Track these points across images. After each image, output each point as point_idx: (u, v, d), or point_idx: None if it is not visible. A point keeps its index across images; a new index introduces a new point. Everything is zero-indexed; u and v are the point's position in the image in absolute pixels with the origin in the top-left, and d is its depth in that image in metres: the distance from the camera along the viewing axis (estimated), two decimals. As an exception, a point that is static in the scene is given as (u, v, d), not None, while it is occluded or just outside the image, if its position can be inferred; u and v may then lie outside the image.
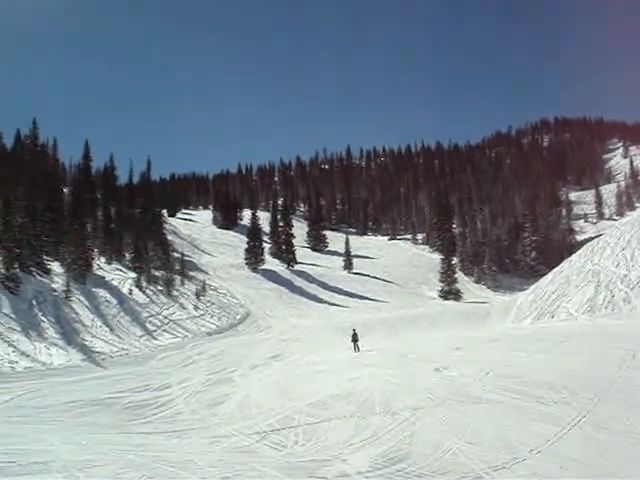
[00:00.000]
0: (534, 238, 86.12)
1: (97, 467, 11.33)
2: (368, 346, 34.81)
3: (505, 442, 13.81)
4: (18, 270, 36.70)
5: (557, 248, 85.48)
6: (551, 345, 26.75)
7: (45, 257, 42.36)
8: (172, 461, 12.46)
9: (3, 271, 35.20)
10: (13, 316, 32.40)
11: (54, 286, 39.16)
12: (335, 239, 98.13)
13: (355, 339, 35.13)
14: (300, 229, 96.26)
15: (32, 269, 39.23)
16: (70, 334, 33.50)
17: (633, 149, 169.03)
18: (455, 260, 79.93)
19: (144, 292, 46.59)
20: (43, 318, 33.97)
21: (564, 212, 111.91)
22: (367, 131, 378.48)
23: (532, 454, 12.87)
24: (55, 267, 42.80)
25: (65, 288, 38.77)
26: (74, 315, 36.71)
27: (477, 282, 79.85)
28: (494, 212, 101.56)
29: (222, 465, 12.44)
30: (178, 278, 54.46)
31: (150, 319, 41.63)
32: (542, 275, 58.41)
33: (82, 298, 39.85)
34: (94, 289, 42.48)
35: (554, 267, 54.25)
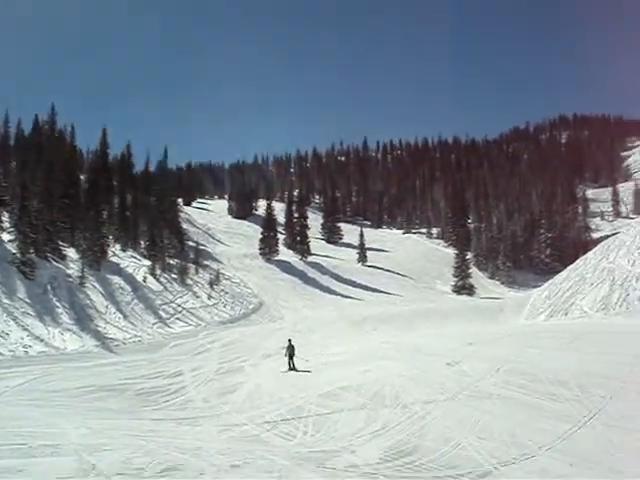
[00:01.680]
0: (550, 235, 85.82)
1: (107, 451, 11.40)
2: (381, 339, 34.80)
3: (515, 438, 13.78)
4: (34, 255, 36.88)
5: (572, 245, 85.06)
6: (564, 342, 26.62)
7: (61, 243, 42.50)
8: (182, 448, 12.52)
9: (19, 256, 35.39)
10: (28, 301, 32.57)
11: (69, 272, 39.34)
12: (350, 231, 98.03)
13: (291, 353, 27.08)
14: (315, 221, 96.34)
15: (48, 255, 39.39)
16: (84, 320, 33.68)
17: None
18: (469, 255, 79.70)
19: (158, 280, 46.77)
20: (57, 303, 34.15)
21: (581, 209, 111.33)
22: (384, 124, 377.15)
23: (542, 451, 12.84)
24: (70, 253, 42.98)
25: (80, 274, 38.93)
26: (88, 301, 36.89)
27: (491, 278, 79.70)
28: (510, 208, 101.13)
29: (231, 453, 12.49)
30: (192, 267, 54.66)
31: (164, 307, 41.81)
32: (557, 272, 58.10)
33: (96, 284, 40.02)
34: (109, 276, 42.65)
35: (569, 264, 53.95)
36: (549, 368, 20.32)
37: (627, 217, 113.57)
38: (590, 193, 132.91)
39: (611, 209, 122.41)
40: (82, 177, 60.56)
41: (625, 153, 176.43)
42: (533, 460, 12.38)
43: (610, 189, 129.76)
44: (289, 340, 27.84)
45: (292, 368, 26.39)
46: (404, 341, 33.39)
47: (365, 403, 18.25)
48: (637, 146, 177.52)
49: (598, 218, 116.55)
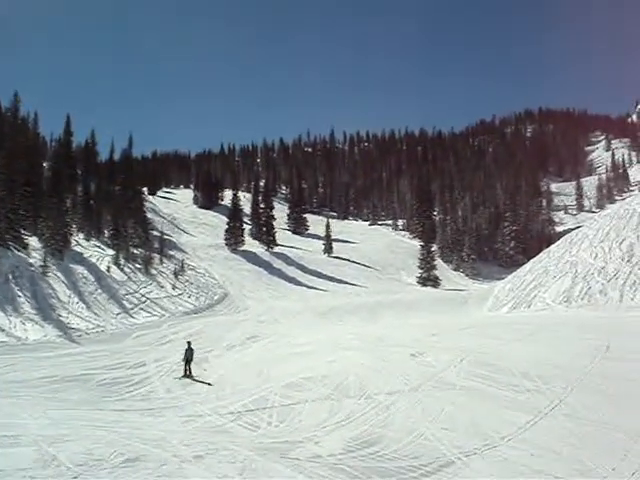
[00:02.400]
0: (514, 228, 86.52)
1: (68, 442, 11.29)
2: (346, 330, 34.87)
3: (478, 429, 13.92)
4: (-5, 244, 36.35)
5: (536, 238, 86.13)
6: (527, 334, 26.95)
7: (23, 232, 41.88)
8: (145, 438, 12.44)
9: (-21, 244, 34.86)
10: (-11, 290, 32.12)
11: (31, 261, 38.79)
12: (316, 222, 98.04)
13: (188, 357, 23.87)
14: (281, 211, 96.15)
15: (9, 243, 38.79)
16: (46, 310, 33.24)
17: (615, 142, 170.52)
18: (435, 247, 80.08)
19: (122, 270, 46.30)
20: (19, 293, 33.67)
21: (544, 203, 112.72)
22: (351, 115, 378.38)
23: (504, 441, 12.99)
24: (33, 242, 42.38)
25: (42, 263, 38.40)
26: (51, 291, 36.41)
27: (456, 270, 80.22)
28: (475, 200, 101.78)
29: (195, 444, 12.44)
30: (157, 257, 54.20)
31: (127, 297, 41.41)
32: (520, 265, 58.76)
33: (59, 274, 39.52)
34: (72, 265, 42.15)
35: (533, 257, 54.59)
36: (512, 359, 20.57)
37: (590, 211, 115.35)
38: (554, 187, 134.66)
39: (574, 203, 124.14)
40: (45, 165, 59.77)
41: (589, 148, 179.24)
42: (495, 450, 12.52)
43: (574, 183, 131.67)
44: (188, 343, 24.77)
45: (188, 375, 23.36)
46: (369, 332, 33.49)
47: (329, 394, 18.29)
48: (601, 141, 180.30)
49: (562, 212, 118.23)
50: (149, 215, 75.00)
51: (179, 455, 11.14)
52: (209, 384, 22.05)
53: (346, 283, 66.15)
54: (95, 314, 35.88)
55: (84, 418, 15.19)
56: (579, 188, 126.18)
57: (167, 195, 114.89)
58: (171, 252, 61.09)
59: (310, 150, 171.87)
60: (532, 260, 52.33)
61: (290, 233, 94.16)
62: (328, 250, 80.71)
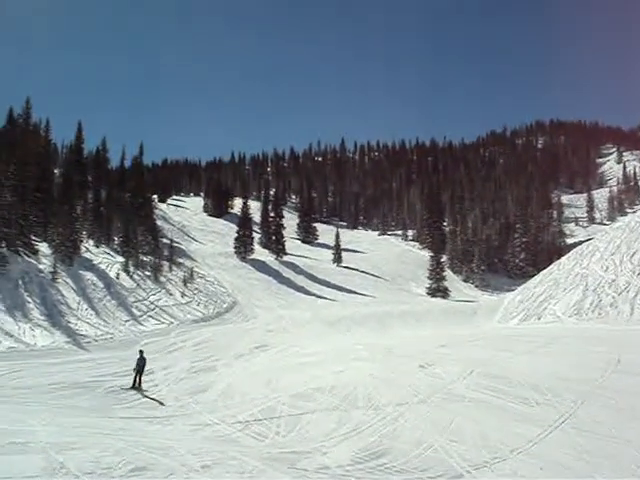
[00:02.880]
0: (524, 239, 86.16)
1: (76, 450, 11.26)
2: (355, 340, 34.77)
3: (487, 441, 13.82)
4: (5, 249, 36.42)
5: (547, 250, 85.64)
6: (536, 346, 26.78)
7: (33, 237, 42.00)
8: (152, 447, 12.40)
9: (-10, 250, 34.95)
10: (-2, 295, 32.18)
11: (41, 267, 38.87)
12: (325, 232, 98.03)
13: (140, 367, 22.68)
14: (291, 220, 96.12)
15: (20, 249, 38.92)
16: (55, 316, 33.27)
17: (627, 154, 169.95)
18: (444, 258, 79.80)
19: (131, 277, 46.34)
20: (28, 299, 33.73)
21: (555, 214, 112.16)
22: (362, 125, 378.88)
23: (513, 454, 12.89)
24: (43, 248, 42.48)
25: (52, 269, 38.47)
26: (60, 297, 36.45)
27: (465, 281, 79.89)
28: (485, 211, 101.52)
29: (202, 453, 12.39)
30: (166, 264, 54.20)
31: (136, 304, 41.42)
32: (530, 276, 58.55)
33: (69, 280, 39.59)
34: (81, 272, 42.22)
35: (543, 269, 54.42)
36: (521, 372, 20.42)
37: (601, 223, 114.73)
38: (565, 199, 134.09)
39: (585, 215, 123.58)
40: (56, 171, 59.97)
41: (600, 160, 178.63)
42: (504, 463, 12.43)
43: (585, 195, 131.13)
44: (140, 352, 23.46)
45: (136, 386, 22.23)
46: (377, 342, 33.36)
47: (337, 404, 18.22)
48: (612, 153, 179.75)
49: (572, 224, 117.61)
50: (159, 222, 75.20)
51: (187, 464, 11.10)
52: (161, 403, 20.52)
53: (355, 293, 66.02)
54: (104, 321, 35.89)
55: (92, 425, 15.17)
56: (590, 200, 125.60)
57: (177, 203, 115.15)
58: (180, 260, 61.13)
59: (320, 159, 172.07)
60: (542, 272, 52.18)
61: (299, 242, 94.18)
62: (337, 260, 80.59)
